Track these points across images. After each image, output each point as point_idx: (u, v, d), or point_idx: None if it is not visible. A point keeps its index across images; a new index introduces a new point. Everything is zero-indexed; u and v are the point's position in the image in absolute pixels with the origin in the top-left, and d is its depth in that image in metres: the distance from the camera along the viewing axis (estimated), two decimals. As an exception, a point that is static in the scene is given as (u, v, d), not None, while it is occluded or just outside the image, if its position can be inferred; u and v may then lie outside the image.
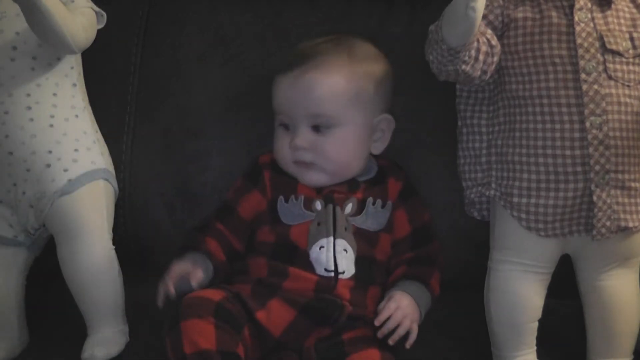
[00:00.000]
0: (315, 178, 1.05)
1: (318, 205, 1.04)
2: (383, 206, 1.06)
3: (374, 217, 1.05)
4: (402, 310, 0.98)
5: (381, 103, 1.07)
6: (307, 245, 1.01)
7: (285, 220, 1.04)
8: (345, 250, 1.01)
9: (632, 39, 0.99)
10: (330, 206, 1.03)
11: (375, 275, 1.03)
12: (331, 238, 1.01)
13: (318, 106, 1.03)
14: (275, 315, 0.97)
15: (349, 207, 1.04)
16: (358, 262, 1.02)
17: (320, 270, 1.00)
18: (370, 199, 1.05)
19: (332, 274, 1.00)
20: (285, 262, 1.01)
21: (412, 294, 1.00)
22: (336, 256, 1.01)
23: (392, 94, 1.09)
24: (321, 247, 1.01)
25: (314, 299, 0.98)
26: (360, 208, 1.05)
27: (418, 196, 1.10)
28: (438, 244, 1.09)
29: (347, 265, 1.01)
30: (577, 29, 0.97)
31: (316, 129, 1.04)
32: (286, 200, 1.05)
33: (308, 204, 1.04)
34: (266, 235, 1.05)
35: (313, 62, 1.03)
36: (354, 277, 1.01)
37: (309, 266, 1.00)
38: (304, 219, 1.03)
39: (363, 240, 1.03)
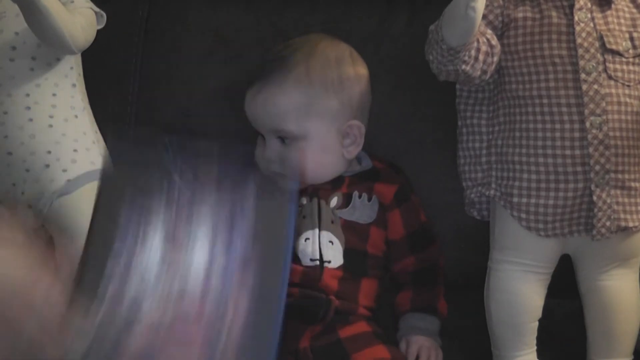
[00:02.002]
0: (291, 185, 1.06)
1: (303, 200, 1.05)
2: (369, 199, 1.06)
3: (361, 210, 1.05)
4: (424, 350, 1.01)
5: (347, 109, 1.06)
6: (294, 238, 1.02)
7: None
8: (331, 242, 1.02)
9: (632, 38, 0.99)
10: (315, 200, 1.04)
11: (367, 267, 1.04)
12: (316, 230, 1.02)
13: (276, 123, 1.04)
14: None
15: (334, 201, 1.05)
16: (347, 254, 1.02)
17: (306, 261, 1.01)
18: (355, 193, 1.06)
19: (317, 263, 1.01)
20: None
21: (426, 332, 1.03)
22: (321, 247, 1.01)
23: (365, 96, 1.08)
24: (307, 238, 1.02)
25: (298, 298, 0.98)
26: (346, 201, 1.05)
27: (414, 198, 1.10)
28: (437, 245, 1.10)
29: (334, 256, 1.01)
30: (577, 28, 0.97)
31: (282, 140, 1.05)
32: None
33: None
34: None
35: (270, 77, 1.04)
36: (343, 268, 1.02)
37: (295, 259, 1.01)
38: None
39: (352, 233, 1.04)
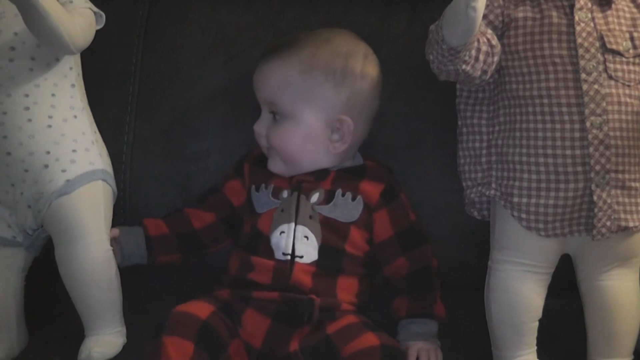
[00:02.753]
0: (274, 165, 1.08)
1: (285, 193, 1.05)
2: (353, 199, 1.06)
3: (343, 208, 1.05)
4: (423, 351, 1.02)
5: (342, 104, 1.05)
6: (269, 230, 1.03)
7: (257, 209, 1.07)
8: (306, 237, 1.02)
9: (632, 38, 0.98)
10: (296, 194, 1.05)
11: (344, 265, 1.03)
12: (292, 224, 1.02)
13: (271, 95, 1.05)
14: (252, 328, 0.98)
15: (315, 197, 1.05)
16: (322, 250, 1.02)
17: (278, 255, 1.01)
18: (339, 191, 1.05)
19: (289, 258, 1.01)
20: (250, 252, 1.03)
21: (424, 336, 1.03)
22: (295, 242, 1.01)
23: (367, 96, 1.07)
24: (282, 232, 1.02)
25: (282, 302, 0.98)
26: (328, 198, 1.05)
27: (402, 198, 1.09)
28: (429, 245, 1.09)
29: (307, 251, 1.01)
30: (578, 28, 0.97)
31: (274, 116, 1.06)
32: (257, 189, 1.08)
33: (276, 193, 1.06)
34: (246, 226, 1.08)
35: (279, 50, 1.06)
36: (316, 264, 1.01)
37: (269, 252, 1.02)
38: (270, 206, 1.05)
39: (330, 230, 1.03)
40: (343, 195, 1.05)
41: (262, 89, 1.06)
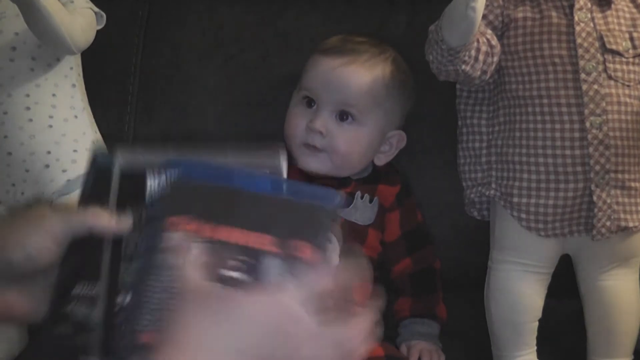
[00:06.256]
0: (316, 165, 1.06)
1: None
2: (371, 201, 1.06)
3: (362, 211, 1.05)
4: (425, 352, 1.02)
5: (400, 117, 1.08)
6: None
7: None
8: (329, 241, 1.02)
9: (631, 38, 0.99)
10: None
11: None
12: None
13: (350, 98, 1.03)
14: None
15: None
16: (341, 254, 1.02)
17: None
18: (358, 193, 1.06)
19: None
20: None
21: (426, 336, 1.04)
22: None
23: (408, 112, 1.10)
24: None
25: None
26: (348, 201, 1.05)
27: (412, 198, 1.11)
28: (433, 247, 1.10)
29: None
30: (577, 28, 0.97)
31: (338, 117, 1.04)
32: None
33: None
34: None
35: (363, 55, 1.05)
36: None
37: None
38: None
39: (350, 234, 1.03)
40: (362, 197, 1.06)
41: (339, 90, 1.04)
